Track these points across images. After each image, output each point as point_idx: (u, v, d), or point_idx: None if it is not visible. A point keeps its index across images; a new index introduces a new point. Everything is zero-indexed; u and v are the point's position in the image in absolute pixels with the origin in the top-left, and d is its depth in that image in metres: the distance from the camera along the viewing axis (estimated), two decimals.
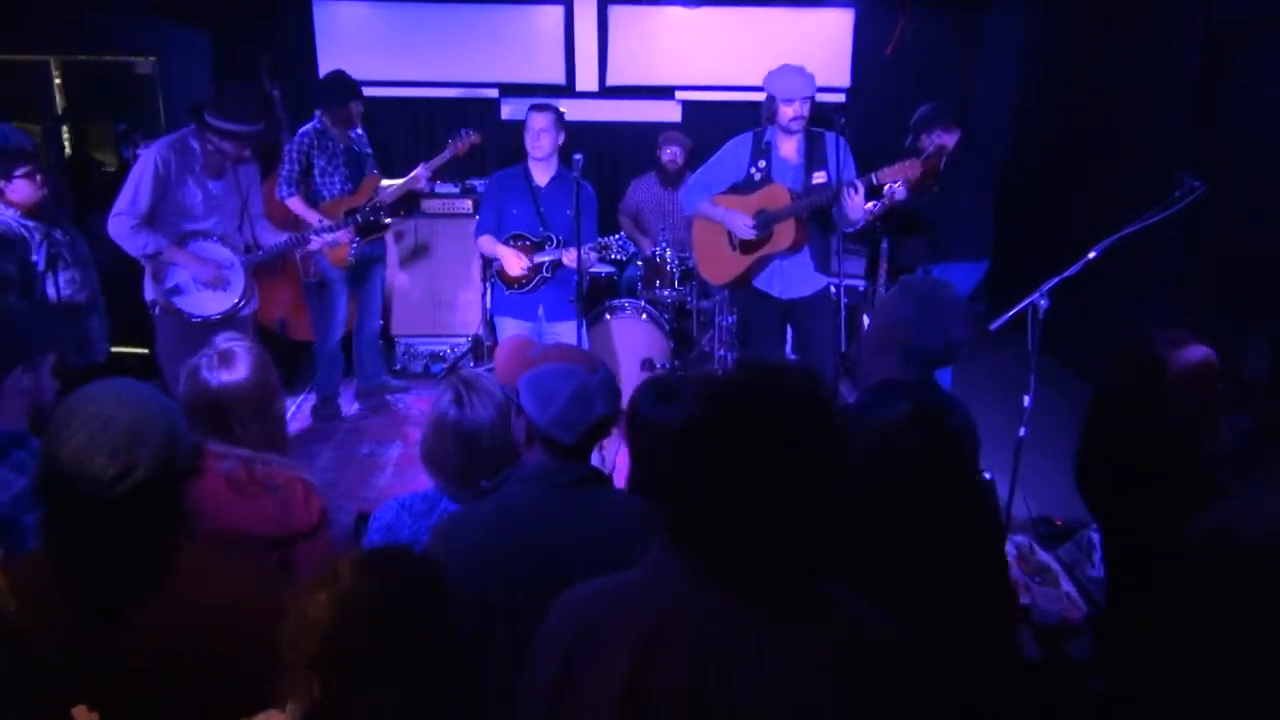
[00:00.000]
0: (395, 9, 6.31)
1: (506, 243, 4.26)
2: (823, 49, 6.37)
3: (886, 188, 4.00)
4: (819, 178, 3.90)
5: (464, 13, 6.31)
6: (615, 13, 6.32)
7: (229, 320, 3.94)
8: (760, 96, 3.94)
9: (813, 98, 3.84)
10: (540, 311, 4.34)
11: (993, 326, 3.41)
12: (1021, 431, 3.37)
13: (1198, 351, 2.20)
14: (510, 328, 4.38)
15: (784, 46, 6.35)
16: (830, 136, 3.98)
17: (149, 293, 3.99)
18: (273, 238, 4.26)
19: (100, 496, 1.41)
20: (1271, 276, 4.01)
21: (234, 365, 2.06)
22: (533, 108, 4.26)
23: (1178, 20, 4.90)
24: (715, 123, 6.45)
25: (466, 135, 4.83)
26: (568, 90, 6.42)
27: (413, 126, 6.59)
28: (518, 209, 4.28)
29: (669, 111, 6.51)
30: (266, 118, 4.00)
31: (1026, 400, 3.36)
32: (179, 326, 3.95)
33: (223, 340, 2.13)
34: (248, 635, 1.34)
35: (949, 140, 4.69)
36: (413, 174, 4.84)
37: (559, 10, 6.30)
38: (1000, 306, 3.48)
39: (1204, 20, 4.69)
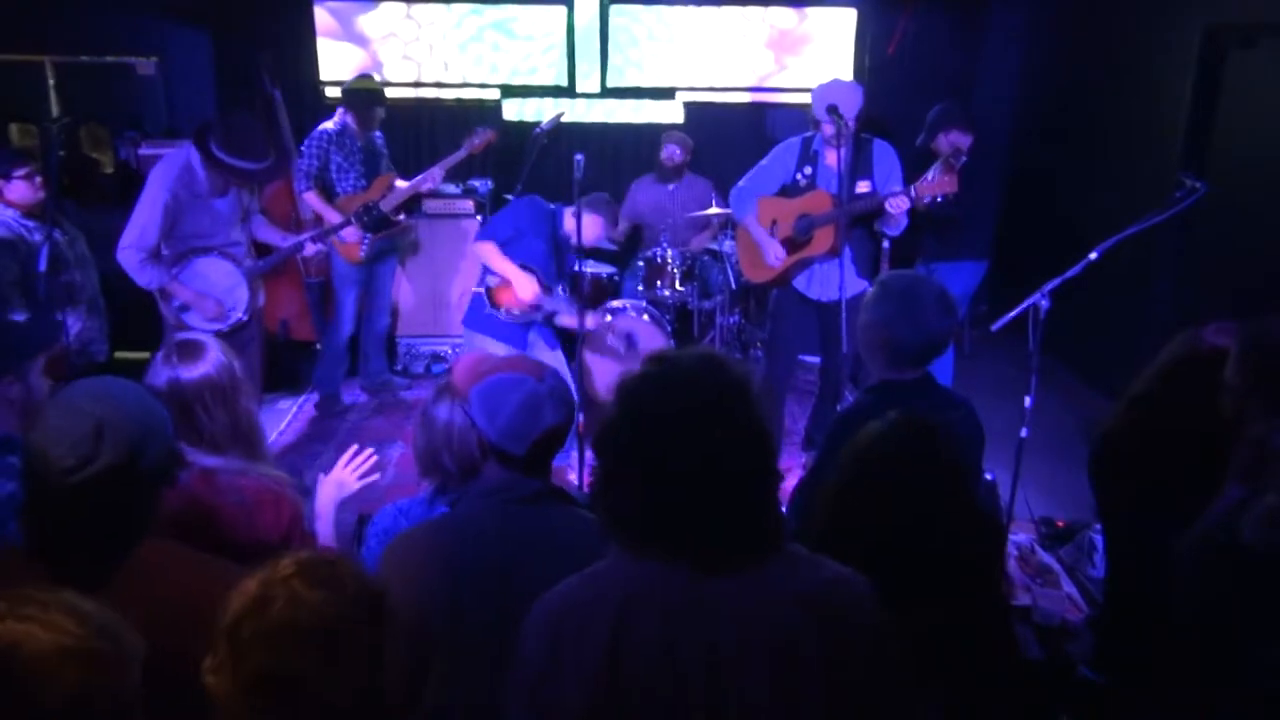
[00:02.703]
0: (395, 9, 6.31)
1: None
2: (824, 48, 6.37)
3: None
4: (863, 186, 3.91)
5: (465, 13, 6.31)
6: (616, 13, 6.32)
7: (237, 330, 3.94)
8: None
9: (858, 114, 3.87)
10: (531, 337, 4.23)
11: (994, 327, 3.41)
12: (1023, 432, 3.37)
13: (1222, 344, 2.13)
14: (490, 347, 4.09)
15: (785, 46, 6.37)
16: (879, 144, 4.00)
17: (163, 309, 4.01)
18: (268, 234, 4.28)
19: (57, 484, 1.45)
20: (1272, 276, 4.00)
21: (192, 356, 2.04)
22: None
23: (1178, 20, 4.89)
24: (717, 122, 6.45)
25: (483, 133, 4.76)
26: (569, 91, 6.41)
27: (414, 127, 6.57)
28: (540, 244, 4.12)
29: (670, 112, 6.50)
30: (275, 151, 3.93)
31: (1028, 401, 3.35)
32: None
33: (180, 334, 2.11)
34: (200, 637, 1.30)
35: (964, 142, 4.63)
36: (427, 172, 4.83)
37: (560, 10, 6.30)
38: (1002, 307, 3.48)
39: (1204, 20, 4.69)
